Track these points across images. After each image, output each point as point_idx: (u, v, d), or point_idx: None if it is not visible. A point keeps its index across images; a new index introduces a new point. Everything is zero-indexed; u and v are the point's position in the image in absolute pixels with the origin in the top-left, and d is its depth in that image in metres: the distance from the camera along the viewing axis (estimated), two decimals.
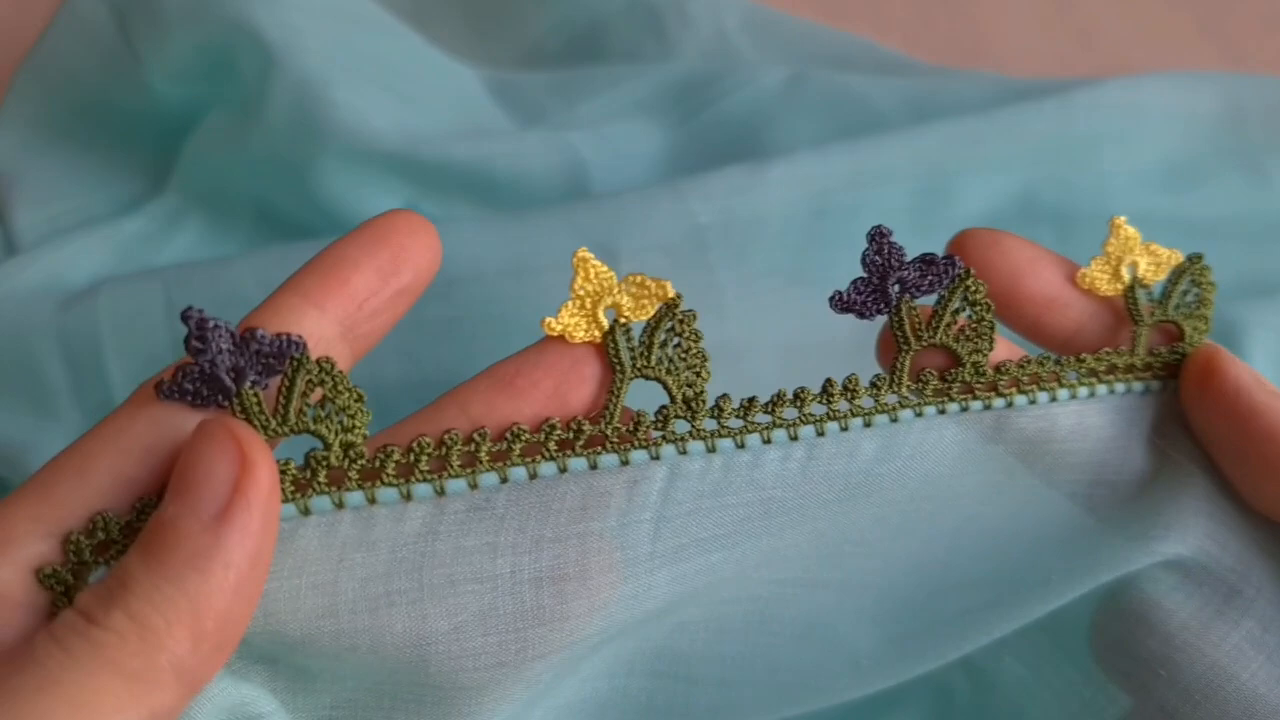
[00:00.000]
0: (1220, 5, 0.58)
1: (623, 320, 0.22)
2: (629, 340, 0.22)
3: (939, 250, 0.43)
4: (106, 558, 0.19)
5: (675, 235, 0.39)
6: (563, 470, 0.21)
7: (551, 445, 0.21)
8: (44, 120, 0.46)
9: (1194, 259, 0.27)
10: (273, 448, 0.20)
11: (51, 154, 0.45)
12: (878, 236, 0.23)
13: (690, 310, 0.22)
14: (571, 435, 0.21)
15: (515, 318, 0.39)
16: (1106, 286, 0.26)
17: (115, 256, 0.43)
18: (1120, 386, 0.26)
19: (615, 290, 0.22)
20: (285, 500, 0.20)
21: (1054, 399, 0.25)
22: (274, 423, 0.20)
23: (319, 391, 0.20)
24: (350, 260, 0.22)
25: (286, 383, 0.20)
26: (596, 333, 0.22)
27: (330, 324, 0.21)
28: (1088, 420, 0.25)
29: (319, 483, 0.20)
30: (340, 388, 0.20)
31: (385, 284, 0.22)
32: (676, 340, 0.22)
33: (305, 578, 0.20)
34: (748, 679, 0.27)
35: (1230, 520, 0.25)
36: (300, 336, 0.20)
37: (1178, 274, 0.26)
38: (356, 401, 0.20)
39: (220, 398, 0.20)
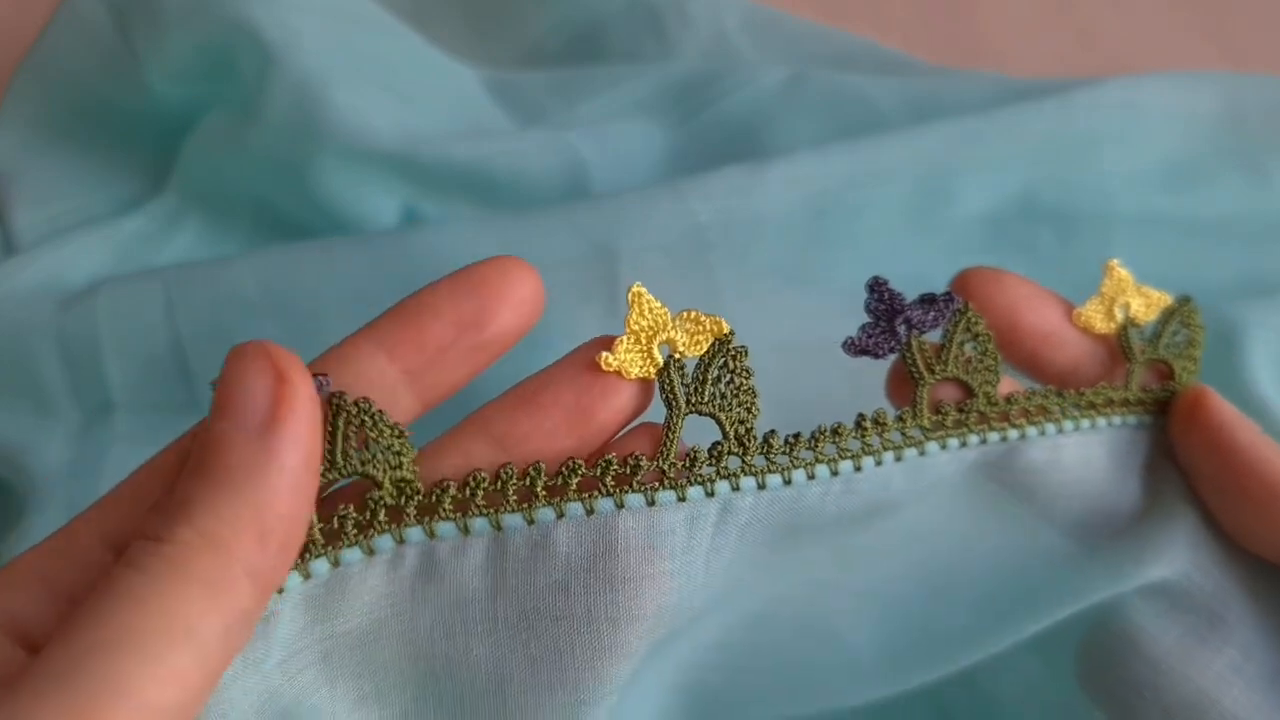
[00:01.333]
0: (1220, 5, 0.58)
1: (677, 356, 0.22)
2: (683, 376, 0.22)
3: (938, 250, 0.43)
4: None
5: (675, 235, 0.39)
6: (620, 506, 0.21)
7: (609, 480, 0.22)
8: (43, 120, 0.46)
9: (1183, 301, 0.28)
10: (324, 493, 0.21)
11: (51, 154, 0.45)
12: (876, 285, 0.24)
13: (743, 346, 0.23)
14: (629, 471, 0.22)
15: None
16: (1101, 325, 0.27)
17: (114, 256, 0.43)
18: (1116, 419, 0.27)
19: (670, 326, 0.23)
20: (348, 545, 0.20)
21: (1060, 430, 0.26)
22: (323, 468, 0.20)
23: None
24: (431, 309, 0.22)
25: (329, 427, 0.20)
26: (651, 369, 0.22)
27: (396, 372, 0.21)
28: (1090, 451, 0.26)
29: (380, 522, 0.21)
30: (381, 426, 0.20)
31: (463, 336, 0.22)
32: (729, 376, 0.23)
33: (381, 612, 0.21)
34: (755, 667, 0.27)
35: (1215, 552, 0.26)
36: (327, 379, 0.20)
37: (1168, 315, 0.28)
38: (399, 438, 0.21)
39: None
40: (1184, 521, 0.26)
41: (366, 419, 0.20)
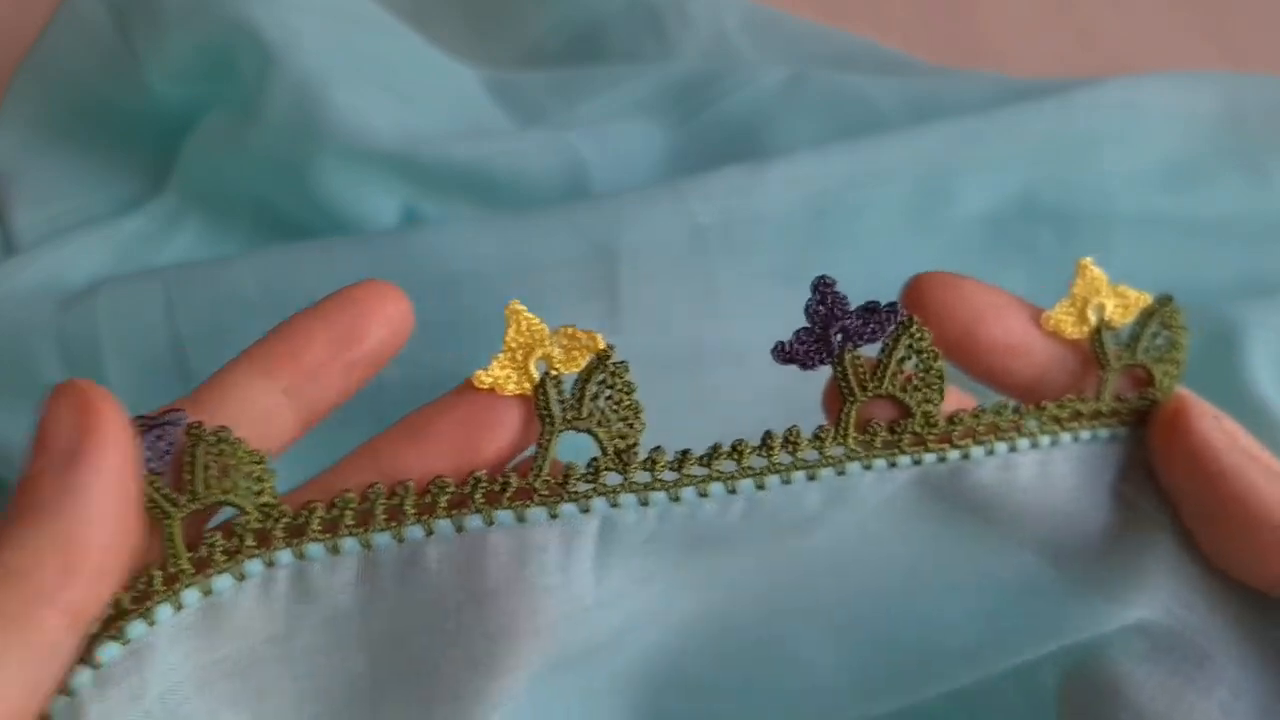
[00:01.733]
0: (1220, 5, 0.58)
1: (553, 372, 0.22)
2: (559, 393, 0.22)
3: (938, 250, 0.43)
4: (144, 609, 0.20)
5: (675, 235, 0.39)
6: (489, 523, 0.21)
7: (478, 497, 0.21)
8: (43, 120, 0.45)
9: (1163, 300, 0.26)
10: (189, 523, 0.21)
11: (50, 153, 0.45)
12: (822, 286, 0.23)
13: (623, 362, 0.22)
14: (499, 488, 0.21)
15: None
16: (1072, 329, 0.25)
17: (114, 256, 0.43)
18: (1085, 434, 0.25)
19: (547, 341, 0.22)
20: (218, 572, 0.20)
21: (1014, 449, 0.24)
22: (185, 499, 0.20)
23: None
24: (306, 329, 0.22)
25: (188, 459, 0.20)
26: (527, 385, 0.22)
27: (277, 392, 0.22)
28: (1051, 469, 0.24)
29: (248, 547, 0.20)
30: (240, 453, 0.20)
31: (338, 355, 0.22)
32: (609, 392, 0.22)
33: (256, 636, 0.21)
34: (719, 688, 0.27)
35: (1196, 579, 0.25)
36: (181, 411, 0.20)
37: (1147, 316, 0.25)
38: (259, 464, 0.21)
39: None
40: (1164, 545, 0.25)
41: (224, 447, 0.20)
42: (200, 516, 0.21)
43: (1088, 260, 0.26)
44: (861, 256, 0.42)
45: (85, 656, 0.19)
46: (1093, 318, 0.25)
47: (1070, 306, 0.25)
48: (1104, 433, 0.25)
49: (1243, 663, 0.24)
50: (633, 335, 0.39)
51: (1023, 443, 0.24)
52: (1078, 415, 0.25)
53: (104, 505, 0.19)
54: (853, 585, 0.25)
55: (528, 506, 0.21)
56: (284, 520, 0.21)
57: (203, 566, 0.20)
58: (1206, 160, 0.46)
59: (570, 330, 0.22)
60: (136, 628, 0.19)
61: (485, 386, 0.22)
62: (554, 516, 0.21)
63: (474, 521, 0.21)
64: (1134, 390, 0.26)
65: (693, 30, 0.51)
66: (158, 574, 0.20)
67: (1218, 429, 0.24)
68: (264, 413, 0.22)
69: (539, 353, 0.22)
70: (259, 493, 0.21)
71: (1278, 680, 0.24)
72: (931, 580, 0.26)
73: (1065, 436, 0.24)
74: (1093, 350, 0.25)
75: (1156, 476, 0.25)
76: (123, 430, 0.19)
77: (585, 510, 0.21)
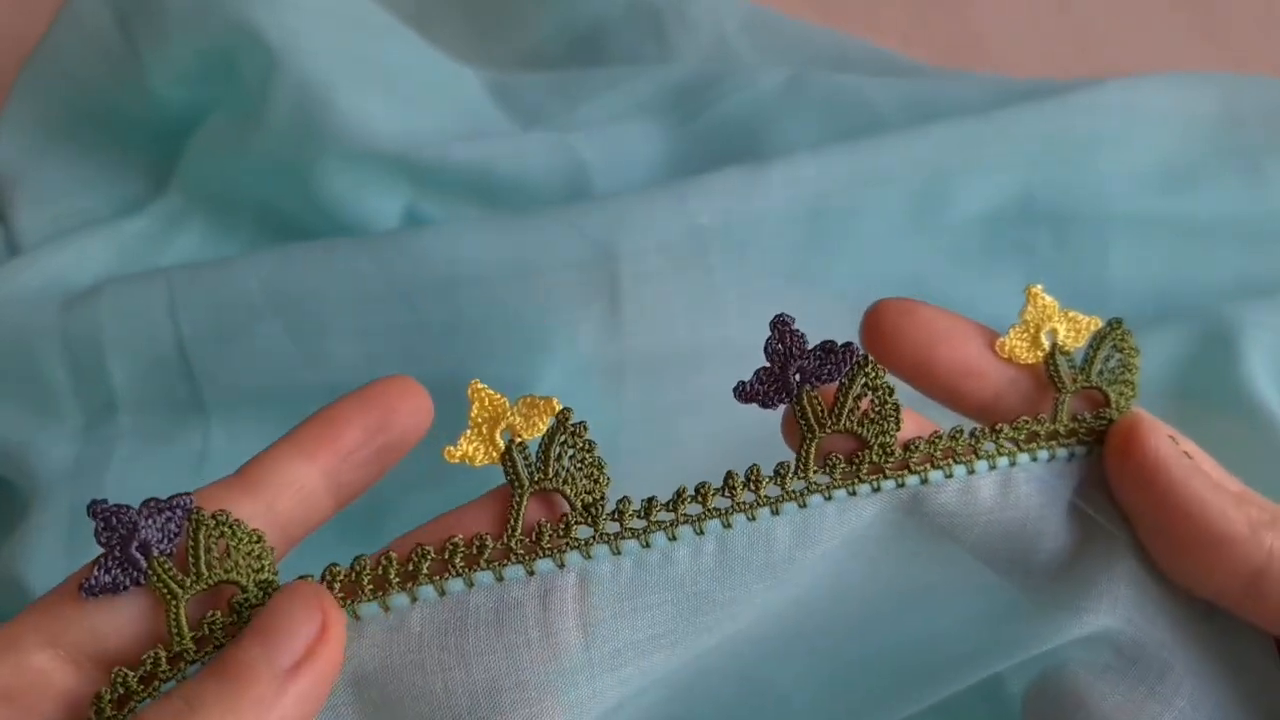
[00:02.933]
0: (1219, 6, 0.58)
1: (518, 440, 0.23)
2: (525, 458, 0.23)
3: (937, 251, 0.44)
4: (150, 689, 0.21)
5: (675, 236, 0.39)
6: (470, 585, 0.22)
7: (458, 561, 0.22)
8: (46, 121, 0.46)
9: (1114, 324, 0.27)
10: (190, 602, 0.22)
11: (54, 155, 0.45)
12: (780, 325, 0.24)
13: (582, 422, 0.23)
14: (475, 550, 0.22)
15: (516, 319, 0.39)
16: (1026, 355, 0.26)
17: (117, 257, 0.43)
18: (1043, 454, 0.26)
19: (508, 413, 0.23)
20: (219, 648, 0.21)
21: (971, 471, 0.25)
22: (189, 581, 0.21)
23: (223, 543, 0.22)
24: (343, 418, 0.24)
25: (191, 542, 0.21)
26: (495, 455, 0.23)
27: (317, 473, 0.24)
28: (1012, 489, 0.25)
29: (242, 622, 0.22)
30: (239, 534, 0.22)
31: (371, 440, 0.24)
32: (571, 452, 0.23)
33: None
34: None
35: (1155, 590, 0.25)
36: (189, 496, 0.22)
37: (1099, 340, 0.26)
38: (258, 543, 0.22)
39: (137, 576, 0.21)
40: (1124, 559, 0.25)
41: (225, 529, 0.21)
42: (204, 596, 0.22)
43: (1038, 288, 0.27)
44: (860, 257, 0.43)
45: None
46: (1046, 343, 0.26)
47: (1023, 332, 0.26)
48: (1062, 452, 0.26)
49: (1199, 674, 0.25)
50: (633, 336, 0.39)
51: (980, 465, 0.25)
52: (1035, 436, 0.25)
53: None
54: (831, 615, 0.26)
55: (505, 565, 0.22)
56: None
57: (203, 644, 0.21)
58: (1204, 161, 0.46)
59: (529, 399, 0.23)
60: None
61: (455, 460, 0.23)
62: (531, 573, 0.22)
63: (455, 584, 0.22)
64: (1090, 411, 0.26)
65: (693, 32, 0.51)
66: (163, 654, 0.21)
67: (1168, 444, 0.25)
68: (304, 492, 0.23)
69: (503, 424, 0.23)
70: (259, 570, 0.22)
71: (1229, 691, 0.25)
72: (905, 604, 0.26)
73: (1023, 457, 0.25)
74: (1048, 374, 0.26)
75: (1112, 492, 0.26)
76: (339, 658, 0.21)
77: (560, 565, 0.23)
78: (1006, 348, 0.26)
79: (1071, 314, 0.27)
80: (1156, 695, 0.24)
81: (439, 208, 0.43)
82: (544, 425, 0.23)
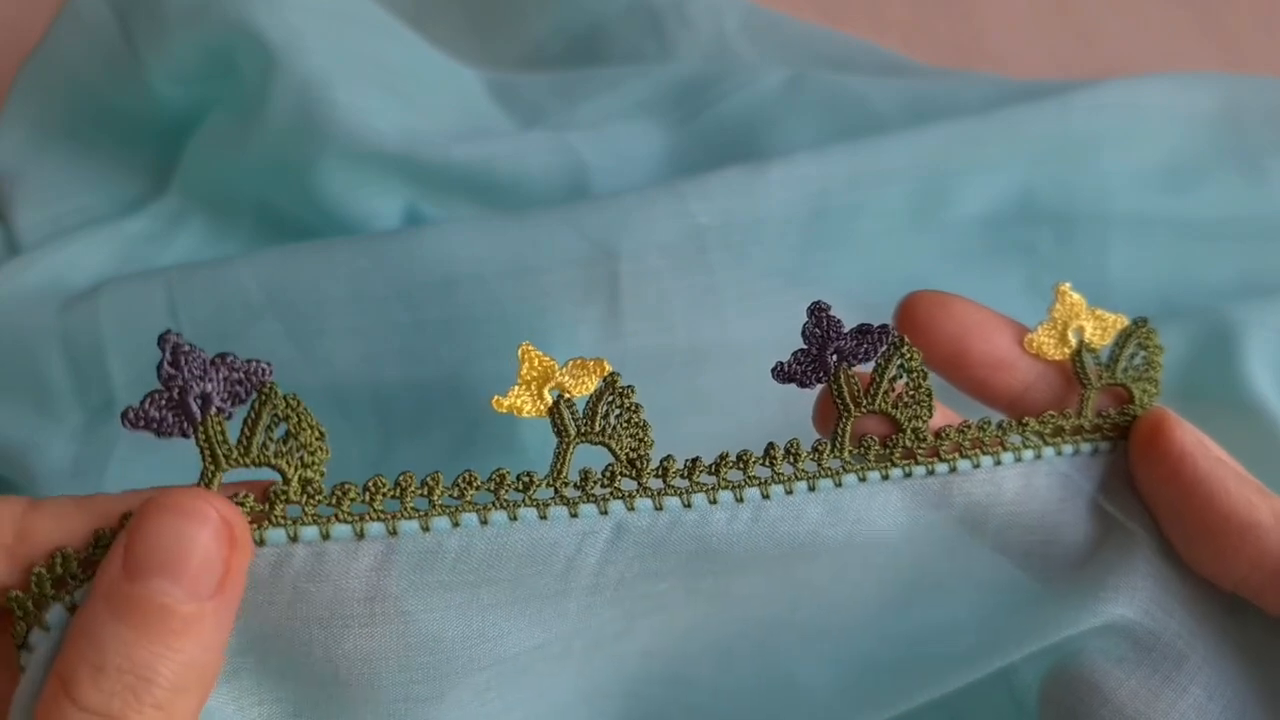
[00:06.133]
0: (1219, 6, 0.58)
1: (566, 396, 0.23)
2: (573, 412, 0.23)
3: (938, 251, 0.44)
4: (65, 591, 0.20)
5: (675, 236, 0.39)
6: (513, 519, 0.22)
7: (504, 495, 0.22)
8: (46, 121, 0.46)
9: (1139, 323, 0.27)
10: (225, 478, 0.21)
11: (54, 154, 0.45)
12: (817, 310, 0.24)
13: (630, 385, 0.24)
14: (522, 486, 0.22)
15: (515, 318, 0.39)
16: (1054, 351, 0.27)
17: (117, 257, 0.43)
18: (1068, 448, 0.26)
19: (557, 373, 0.23)
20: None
21: (998, 462, 0.25)
22: (236, 453, 0.20)
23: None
24: None
25: (253, 415, 0.21)
26: (542, 407, 0.23)
27: None
28: (1035, 482, 0.26)
29: (275, 516, 0.21)
30: (305, 424, 0.21)
31: None
32: (618, 411, 0.23)
33: (258, 595, 0.21)
34: (718, 712, 0.27)
35: (1174, 583, 0.26)
36: (269, 364, 0.21)
37: (1124, 338, 0.27)
38: (319, 439, 0.21)
39: (185, 425, 0.20)
40: (1143, 552, 0.26)
41: (292, 414, 0.21)
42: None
43: (1066, 285, 0.27)
44: (860, 257, 0.43)
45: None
46: (1073, 340, 0.27)
47: (1051, 329, 0.27)
48: (1086, 447, 0.27)
49: (1216, 665, 0.25)
50: (633, 336, 0.39)
51: (1007, 456, 0.25)
52: (1060, 430, 0.26)
53: (225, 638, 0.20)
54: (852, 600, 0.26)
55: (550, 505, 0.22)
56: (318, 498, 0.21)
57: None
58: (1205, 161, 0.46)
59: (579, 360, 0.23)
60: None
61: (503, 409, 0.23)
62: (574, 515, 0.23)
63: (499, 516, 0.22)
64: (1114, 407, 0.27)
65: (693, 32, 0.51)
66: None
67: (1194, 437, 0.26)
68: None
69: (551, 382, 0.23)
70: (307, 465, 0.21)
71: (1245, 681, 0.25)
72: (924, 591, 0.26)
73: (1048, 450, 0.26)
74: (1074, 370, 0.27)
75: (1136, 486, 0.27)
76: (248, 554, 0.20)
77: (604, 512, 0.23)
78: (1035, 344, 0.27)
79: (1099, 312, 0.27)
80: (1172, 683, 0.25)
81: (439, 207, 0.43)
82: (592, 384, 0.23)
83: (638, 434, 0.23)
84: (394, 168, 0.42)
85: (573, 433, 0.23)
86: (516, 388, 0.23)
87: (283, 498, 0.21)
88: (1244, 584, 0.25)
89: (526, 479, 0.22)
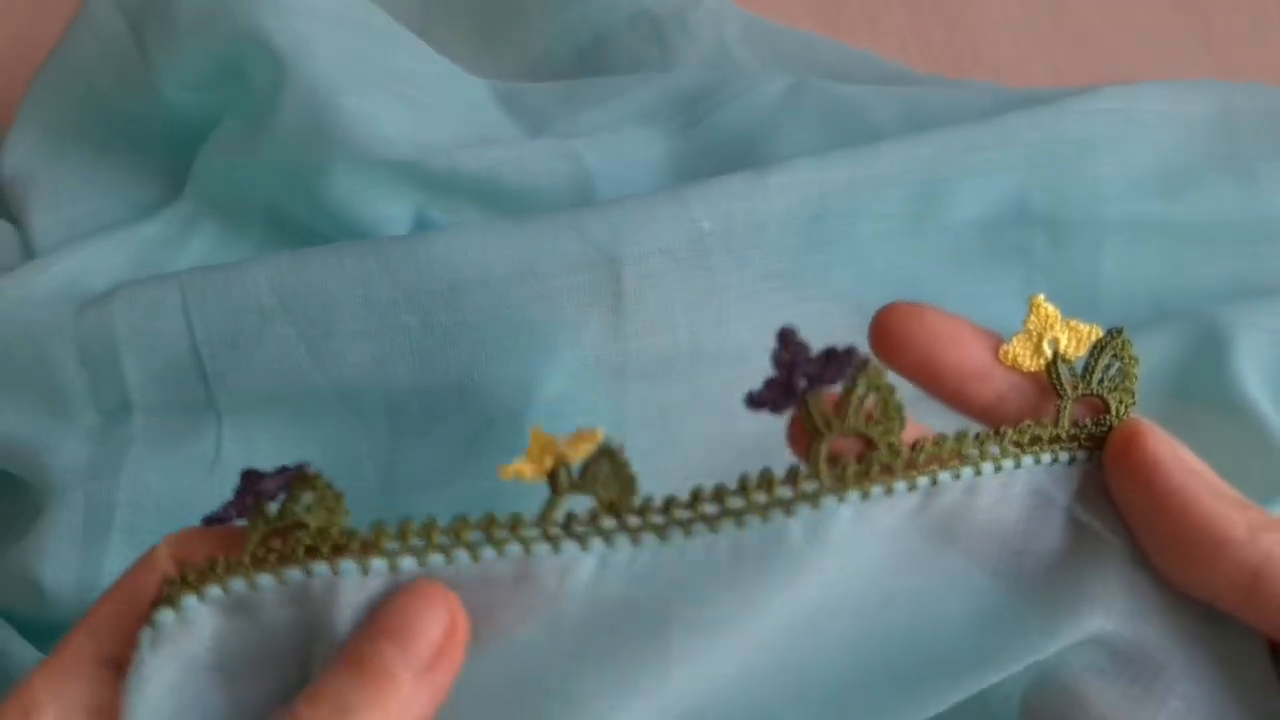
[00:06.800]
0: (1214, 14, 0.58)
1: (565, 463, 0.24)
2: (569, 474, 0.24)
3: (935, 255, 0.44)
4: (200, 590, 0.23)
5: (678, 241, 0.40)
6: (500, 554, 0.23)
7: (494, 533, 0.23)
8: (60, 126, 0.46)
9: (1114, 333, 0.27)
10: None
11: (68, 160, 0.46)
12: (784, 336, 0.25)
13: (620, 445, 0.24)
14: (511, 524, 0.24)
15: (521, 321, 0.39)
16: (1029, 362, 0.27)
17: (131, 260, 0.43)
18: (1045, 458, 0.26)
19: (557, 446, 0.24)
20: (271, 570, 0.23)
21: (978, 473, 0.25)
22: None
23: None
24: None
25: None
26: (541, 472, 0.24)
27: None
28: (1011, 491, 0.26)
29: (298, 558, 0.23)
30: (326, 493, 0.23)
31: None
32: (607, 468, 0.24)
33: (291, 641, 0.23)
34: None
35: (1152, 593, 0.26)
36: (305, 464, 0.23)
37: (1099, 349, 0.27)
38: (339, 499, 0.23)
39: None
40: (1119, 562, 0.25)
41: (318, 484, 0.23)
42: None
43: (1040, 297, 0.27)
44: (858, 260, 0.43)
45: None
46: (1048, 351, 0.27)
47: (1026, 340, 0.27)
48: (1063, 457, 0.26)
49: (1194, 676, 0.25)
50: (635, 338, 0.40)
51: (987, 467, 0.25)
52: (1037, 440, 0.26)
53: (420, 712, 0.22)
54: (826, 630, 0.26)
55: (536, 541, 0.23)
56: (331, 541, 0.23)
57: (258, 563, 0.23)
58: (1199, 166, 0.47)
59: (580, 432, 0.24)
60: (190, 600, 0.22)
61: (508, 477, 0.24)
62: (557, 551, 0.24)
63: (488, 552, 0.23)
64: (1090, 417, 0.27)
65: (694, 41, 0.51)
66: (223, 560, 0.22)
67: (1169, 448, 0.25)
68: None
69: (552, 455, 0.24)
70: (327, 520, 0.23)
71: (1223, 692, 0.25)
72: (904, 611, 0.26)
73: (1027, 460, 0.26)
74: (1050, 381, 0.27)
75: (1111, 496, 0.26)
76: (464, 646, 0.23)
77: (585, 549, 0.24)
78: (1010, 355, 0.27)
79: (1073, 323, 0.27)
80: (1152, 694, 0.25)
81: (446, 213, 0.43)
82: (585, 450, 0.24)
83: (624, 485, 0.24)
84: (402, 174, 0.42)
85: (564, 486, 0.24)
86: (520, 457, 0.25)
87: (302, 546, 0.23)
88: (1219, 598, 0.25)
89: (515, 519, 0.23)
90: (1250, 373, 0.40)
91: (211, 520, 0.24)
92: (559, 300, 0.39)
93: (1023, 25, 0.57)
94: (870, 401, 0.25)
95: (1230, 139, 0.47)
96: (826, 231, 0.42)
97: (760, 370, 0.26)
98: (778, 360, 0.25)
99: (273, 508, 0.23)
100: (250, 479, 0.23)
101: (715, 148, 0.46)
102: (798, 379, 0.24)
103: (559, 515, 0.24)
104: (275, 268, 0.39)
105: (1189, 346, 0.42)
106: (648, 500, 0.24)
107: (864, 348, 0.26)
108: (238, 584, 0.22)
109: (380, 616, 0.22)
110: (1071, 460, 0.27)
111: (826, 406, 0.24)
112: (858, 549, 0.24)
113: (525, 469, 0.24)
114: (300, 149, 0.42)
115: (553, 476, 0.24)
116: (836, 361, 0.24)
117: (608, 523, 0.24)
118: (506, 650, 0.24)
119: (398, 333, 0.39)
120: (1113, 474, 0.26)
